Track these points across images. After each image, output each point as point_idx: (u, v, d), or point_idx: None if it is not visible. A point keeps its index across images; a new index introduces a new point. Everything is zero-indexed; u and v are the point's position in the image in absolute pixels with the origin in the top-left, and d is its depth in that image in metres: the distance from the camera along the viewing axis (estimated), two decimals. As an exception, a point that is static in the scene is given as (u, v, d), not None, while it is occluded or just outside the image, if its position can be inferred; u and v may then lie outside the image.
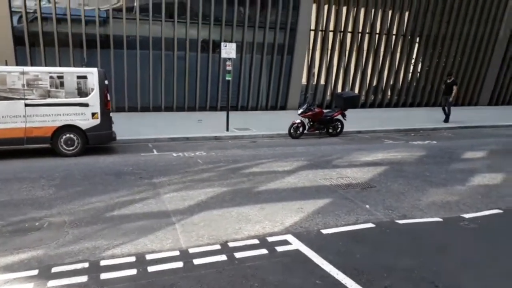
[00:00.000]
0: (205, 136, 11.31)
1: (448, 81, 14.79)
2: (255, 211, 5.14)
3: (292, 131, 11.52)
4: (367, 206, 5.39)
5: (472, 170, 7.61)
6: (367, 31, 20.18)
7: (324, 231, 4.49)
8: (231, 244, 4.11)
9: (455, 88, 14.70)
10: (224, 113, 13.01)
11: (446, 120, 14.65)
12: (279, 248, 4.02)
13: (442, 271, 3.61)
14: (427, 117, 16.07)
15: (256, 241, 4.19)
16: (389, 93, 21.60)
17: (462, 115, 16.97)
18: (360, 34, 20.18)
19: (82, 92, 8.63)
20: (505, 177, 7.00)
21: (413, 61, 21.69)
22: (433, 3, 20.55)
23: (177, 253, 3.91)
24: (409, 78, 21.81)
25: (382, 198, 5.76)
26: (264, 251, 3.96)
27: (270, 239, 4.25)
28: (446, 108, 14.76)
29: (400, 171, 7.47)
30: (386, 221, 4.85)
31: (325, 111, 12.45)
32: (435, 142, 11.10)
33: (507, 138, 12.05)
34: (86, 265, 3.65)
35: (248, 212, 5.10)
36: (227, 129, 12.07)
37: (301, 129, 11.60)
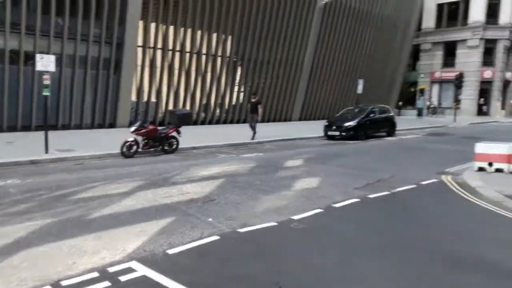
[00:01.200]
0: (18, 161, 9.68)
1: (253, 100, 15.56)
2: (90, 241, 4.61)
3: (125, 149, 10.90)
4: (210, 219, 5.47)
5: (295, 176, 8.60)
6: (195, 51, 20.89)
7: (171, 251, 4.34)
8: (64, 283, 3.56)
9: (260, 107, 15.42)
10: (40, 133, 11.40)
11: (253, 137, 14.96)
12: (123, 278, 3.68)
13: (284, 271, 3.91)
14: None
15: (95, 274, 3.74)
16: (218, 111, 22.73)
17: (279, 129, 19.13)
18: (188, 54, 20.72)
19: None
20: (321, 181, 8.13)
21: (237, 81, 23.45)
22: (251, 30, 22.69)
23: (-9, 305, 3.17)
24: (234, 97, 23.46)
25: (222, 210, 5.94)
26: (106, 283, 3.56)
27: (111, 269, 3.86)
28: (252, 125, 15.16)
29: (235, 182, 7.87)
30: (229, 231, 5.00)
31: (159, 128, 12.24)
32: (261, 154, 12.15)
33: (318, 147, 14.12)
34: None
35: (82, 243, 4.54)
36: (46, 151, 10.60)
37: (134, 147, 11.08)
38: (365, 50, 29.62)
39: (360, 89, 24.37)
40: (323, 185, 7.74)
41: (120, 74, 17.86)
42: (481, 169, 8.95)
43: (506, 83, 38.32)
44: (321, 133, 17.02)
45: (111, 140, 13.08)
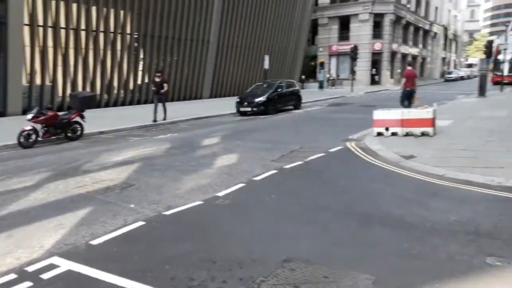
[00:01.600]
0: None
1: (158, 79, 14.37)
2: (0, 242, 4.19)
3: (22, 140, 9.86)
4: (132, 205, 5.30)
5: (214, 154, 8.66)
6: (92, 29, 19.33)
7: (94, 242, 4.15)
8: (-23, 291, 3.23)
9: (166, 86, 14.45)
10: None
11: (165, 117, 14.37)
12: (46, 275, 3.45)
13: (215, 247, 4.01)
14: (160, 115, 17.05)
15: (13, 276, 3.44)
16: (122, 92, 21.54)
17: (191, 108, 18.90)
18: (84, 32, 19.11)
19: None
20: (239, 156, 8.31)
21: (141, 60, 22.36)
22: (152, 5, 21.64)
23: None
24: (140, 77, 22.41)
25: (144, 194, 5.79)
26: (27, 284, 3.31)
27: (30, 268, 3.58)
28: (158, 107, 14.18)
29: (153, 165, 7.68)
30: (154, 215, 4.92)
31: (60, 114, 11.26)
32: (176, 134, 11.94)
33: (232, 124, 14.31)
34: None
35: (-10, 245, 4.11)
36: None
37: (34, 136, 10.07)
38: (267, 26, 30.25)
39: (266, 64, 25.03)
40: (242, 160, 7.94)
41: (7, 56, 15.85)
42: (379, 133, 9.93)
43: (393, 54, 42.41)
44: (234, 110, 17.22)
45: (4, 130, 11.72)
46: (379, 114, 10.20)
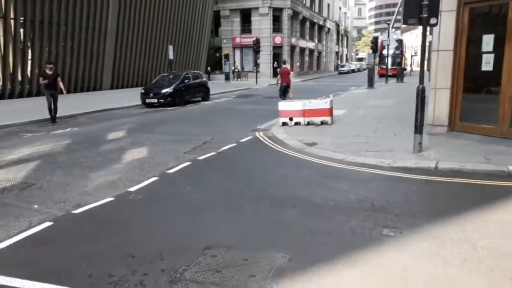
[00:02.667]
0: None
1: (49, 72, 12.04)
2: None
3: None
4: (35, 206, 4.92)
5: (121, 148, 8.34)
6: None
7: (-4, 248, 3.80)
8: None
9: (59, 81, 12.26)
10: None
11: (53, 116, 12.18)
12: None
13: (133, 242, 3.96)
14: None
15: None
16: (9, 84, 19.28)
17: (91, 100, 17.75)
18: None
19: None
20: (149, 150, 8.14)
21: (28, 48, 20.20)
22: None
23: None
24: (29, 67, 20.28)
25: (47, 194, 5.40)
26: None
27: None
28: (52, 106, 12.02)
29: (55, 163, 7.15)
30: (62, 214, 4.65)
31: None
32: (77, 128, 11.18)
33: (138, 116, 13.81)
34: None
35: None
36: None
37: None
38: (171, 15, 29.55)
39: (171, 54, 24.52)
40: (153, 153, 7.80)
41: None
42: (284, 123, 10.52)
43: (292, 47, 44.58)
44: (139, 101, 16.61)
45: None
46: (283, 106, 10.78)
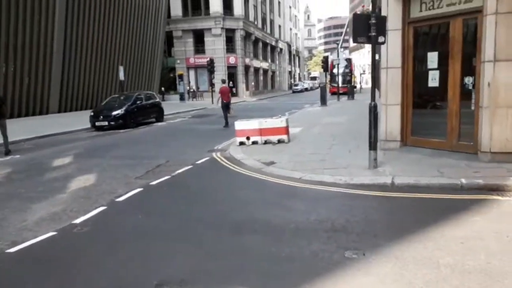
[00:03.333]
0: None
1: None
2: None
3: None
4: (-37, 247, 4.35)
5: (67, 176, 7.76)
6: None
7: None
8: None
9: (4, 109, 10.87)
10: None
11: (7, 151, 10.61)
12: None
13: (77, 283, 3.56)
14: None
15: None
16: None
17: (36, 124, 16.72)
18: None
19: None
20: (98, 176, 7.63)
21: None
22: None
23: None
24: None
25: (-22, 232, 4.82)
26: None
27: None
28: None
29: (-11, 195, 6.49)
30: (-5, 255, 4.14)
31: None
32: (18, 156, 10.37)
33: (87, 140, 13.09)
34: None
35: None
36: None
37: None
38: (121, 36, 28.89)
39: (121, 75, 23.82)
40: (102, 180, 7.30)
41: None
42: (241, 143, 10.34)
43: (246, 68, 45.03)
44: (88, 125, 15.83)
45: None
46: (240, 125, 10.62)
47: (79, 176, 7.69)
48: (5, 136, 10.70)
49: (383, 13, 8.24)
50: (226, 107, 15.51)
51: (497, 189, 5.64)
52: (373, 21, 6.63)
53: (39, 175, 7.95)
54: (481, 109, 7.04)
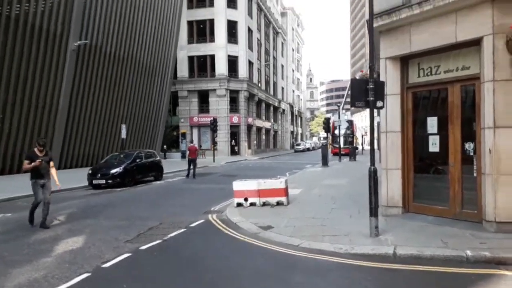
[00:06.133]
0: None
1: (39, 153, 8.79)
2: None
3: None
4: None
5: (55, 237, 7.44)
6: None
7: None
8: None
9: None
10: None
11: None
12: None
13: None
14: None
15: None
16: None
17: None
18: None
19: None
20: (87, 239, 7.30)
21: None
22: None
23: None
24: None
25: (-51, 301, 4.47)
26: None
27: None
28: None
29: (-29, 258, 6.15)
30: (-40, 330, 3.77)
31: None
32: (9, 214, 10.11)
33: (82, 199, 12.81)
34: None
35: None
36: None
37: None
38: (126, 95, 29.63)
39: (123, 133, 24.07)
40: (90, 243, 6.97)
41: None
42: (239, 204, 10.07)
43: (249, 127, 45.69)
44: (85, 183, 15.64)
45: None
46: (238, 185, 10.41)
47: (68, 238, 7.37)
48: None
49: (382, 78, 8.36)
50: (192, 162, 19.27)
51: (505, 263, 5.30)
52: (371, 86, 6.69)
53: (27, 236, 7.62)
54: (484, 176, 6.86)
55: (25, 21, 20.50)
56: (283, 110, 65.34)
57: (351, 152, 30.74)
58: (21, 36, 20.36)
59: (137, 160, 17.18)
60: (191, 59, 42.59)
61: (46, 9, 21.80)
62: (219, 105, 41.71)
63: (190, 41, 42.41)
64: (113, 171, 15.66)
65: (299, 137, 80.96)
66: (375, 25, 7.71)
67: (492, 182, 6.66)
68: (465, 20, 7.04)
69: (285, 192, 10.38)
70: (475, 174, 7.25)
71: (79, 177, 17.03)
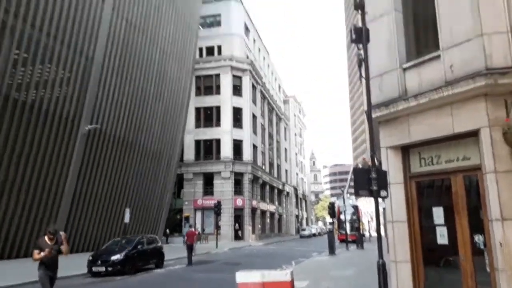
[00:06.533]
0: None
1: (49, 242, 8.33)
2: None
3: None
4: None
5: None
6: None
7: None
8: None
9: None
10: None
11: None
12: None
13: None
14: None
15: None
16: None
17: (26, 270, 15.99)
18: None
19: None
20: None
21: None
22: None
23: None
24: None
25: None
26: None
27: None
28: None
29: None
30: None
31: None
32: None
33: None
34: None
35: None
36: None
37: None
38: (132, 179, 29.92)
39: (127, 218, 23.84)
40: None
41: None
42: (242, 298, 9.52)
43: (253, 210, 45.18)
44: (85, 269, 15.12)
45: None
46: (241, 277, 9.90)
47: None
48: None
49: (384, 167, 8.45)
50: (190, 247, 19.13)
51: None
52: (374, 176, 6.75)
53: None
54: (497, 272, 6.58)
55: (40, 106, 21.55)
56: (287, 192, 65.12)
57: (358, 240, 29.80)
58: (35, 121, 21.25)
59: (139, 247, 16.78)
60: (197, 142, 43.75)
61: (61, 95, 23.04)
62: (223, 187, 41.78)
63: (197, 125, 43.98)
64: (114, 257, 15.23)
65: (304, 221, 79.44)
66: (373, 115, 7.99)
67: (506, 279, 6.37)
68: (461, 113, 7.28)
69: (290, 285, 9.86)
70: (488, 269, 6.95)
71: (77, 263, 16.48)
